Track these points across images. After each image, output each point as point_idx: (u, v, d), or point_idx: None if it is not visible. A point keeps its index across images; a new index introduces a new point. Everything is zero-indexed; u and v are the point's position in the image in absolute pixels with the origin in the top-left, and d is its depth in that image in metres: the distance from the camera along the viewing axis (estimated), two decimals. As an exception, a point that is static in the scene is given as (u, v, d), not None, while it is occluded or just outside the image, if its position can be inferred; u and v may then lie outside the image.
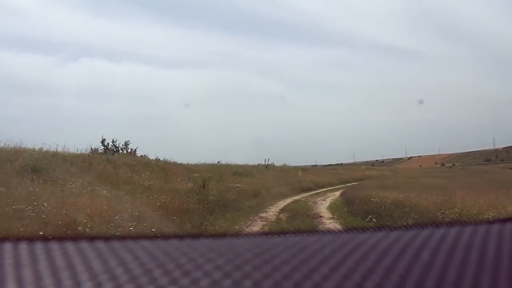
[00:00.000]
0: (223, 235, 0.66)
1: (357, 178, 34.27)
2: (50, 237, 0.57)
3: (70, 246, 0.55)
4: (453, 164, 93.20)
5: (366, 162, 79.87)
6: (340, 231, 0.66)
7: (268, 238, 0.63)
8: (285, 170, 30.04)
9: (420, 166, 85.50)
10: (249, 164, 28.13)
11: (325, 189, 23.43)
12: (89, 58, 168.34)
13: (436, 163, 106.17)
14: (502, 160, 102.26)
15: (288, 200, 16.33)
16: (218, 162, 24.99)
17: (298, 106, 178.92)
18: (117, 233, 4.87)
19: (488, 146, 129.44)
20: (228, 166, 23.98)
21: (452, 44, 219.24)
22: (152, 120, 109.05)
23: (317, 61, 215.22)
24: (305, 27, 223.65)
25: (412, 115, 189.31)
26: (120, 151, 20.26)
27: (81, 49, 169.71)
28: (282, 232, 0.66)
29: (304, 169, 34.23)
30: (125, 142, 20.63)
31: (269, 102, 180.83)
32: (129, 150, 20.61)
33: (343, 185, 27.05)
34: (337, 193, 19.86)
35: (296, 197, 18.05)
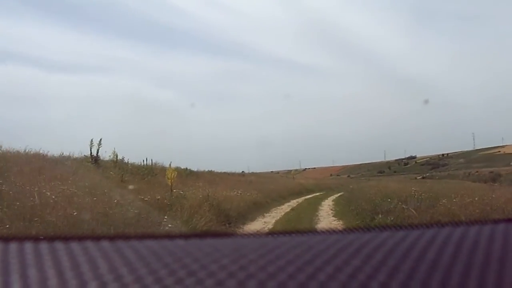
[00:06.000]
0: (228, 234, 0.65)
1: (294, 190, 19.92)
2: (55, 236, 0.57)
3: (75, 245, 0.55)
4: (348, 176, 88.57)
5: (260, 173, 67.11)
6: (345, 230, 0.64)
7: (273, 238, 0.62)
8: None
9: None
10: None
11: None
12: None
13: (331, 174, 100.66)
14: (395, 172, 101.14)
15: None
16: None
17: (189, 115, 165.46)
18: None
19: (379, 158, 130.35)
20: None
21: (349, 61, 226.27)
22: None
23: (215, 71, 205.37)
24: (203, 37, 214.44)
25: (307, 128, 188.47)
26: None
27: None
28: (287, 232, 0.65)
29: (196, 173, 18.35)
30: None
31: (163, 110, 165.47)
32: None
33: (289, 206, 12.30)
34: None
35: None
